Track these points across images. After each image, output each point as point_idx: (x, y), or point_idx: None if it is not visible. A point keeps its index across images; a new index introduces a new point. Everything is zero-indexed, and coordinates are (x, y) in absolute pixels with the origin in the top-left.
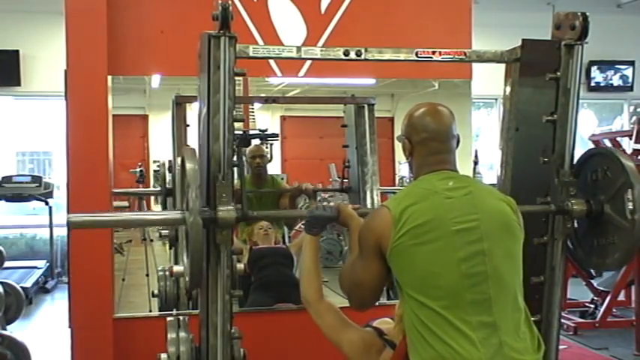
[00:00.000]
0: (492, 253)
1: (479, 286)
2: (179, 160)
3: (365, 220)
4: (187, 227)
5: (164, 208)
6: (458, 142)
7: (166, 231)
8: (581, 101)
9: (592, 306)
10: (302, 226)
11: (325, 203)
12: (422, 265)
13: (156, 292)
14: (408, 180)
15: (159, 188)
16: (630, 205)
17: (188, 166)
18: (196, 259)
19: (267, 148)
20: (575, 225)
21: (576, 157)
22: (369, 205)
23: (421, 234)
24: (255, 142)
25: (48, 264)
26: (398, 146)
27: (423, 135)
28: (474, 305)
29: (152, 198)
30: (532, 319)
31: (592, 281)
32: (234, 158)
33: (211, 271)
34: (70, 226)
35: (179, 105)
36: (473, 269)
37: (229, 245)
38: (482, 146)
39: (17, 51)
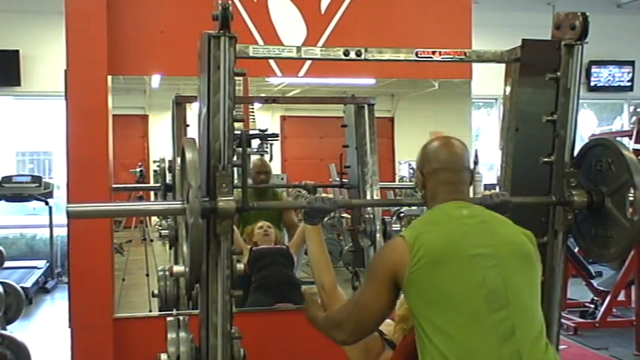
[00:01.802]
0: (511, 279)
1: (500, 311)
2: (179, 151)
3: (380, 250)
4: (187, 214)
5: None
6: (472, 176)
7: (166, 231)
8: (581, 101)
9: (592, 306)
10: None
11: (325, 195)
12: (440, 287)
13: (156, 292)
14: (407, 180)
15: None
16: (631, 205)
17: (188, 155)
18: (196, 254)
19: (267, 147)
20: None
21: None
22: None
23: (437, 256)
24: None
25: (48, 264)
26: (398, 146)
27: (434, 165)
28: (495, 330)
29: (152, 198)
30: None
31: (592, 281)
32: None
33: (211, 261)
34: (69, 215)
35: (179, 105)
36: (492, 294)
37: (229, 236)
38: (482, 146)
39: (17, 51)
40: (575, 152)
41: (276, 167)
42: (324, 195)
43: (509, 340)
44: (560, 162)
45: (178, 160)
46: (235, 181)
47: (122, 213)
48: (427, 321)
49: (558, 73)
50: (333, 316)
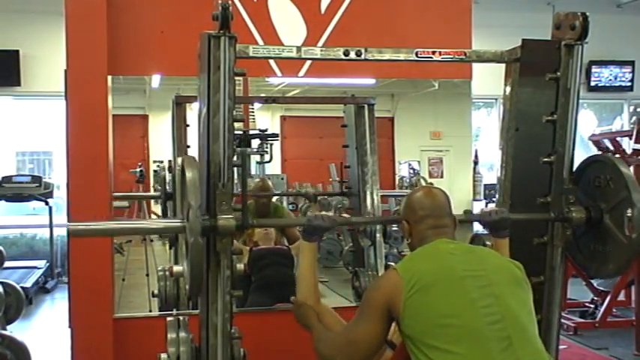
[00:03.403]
0: (504, 297)
1: (496, 324)
2: (179, 166)
3: (373, 282)
4: (187, 233)
5: (164, 212)
6: (455, 223)
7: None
8: (581, 101)
9: (592, 306)
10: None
11: (324, 213)
12: (435, 308)
13: (156, 292)
14: (407, 180)
15: (158, 193)
16: (629, 222)
17: (188, 174)
18: (196, 272)
19: (267, 147)
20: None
21: (576, 157)
22: (369, 206)
23: (430, 282)
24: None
25: (48, 264)
26: (398, 146)
27: (419, 213)
28: (493, 341)
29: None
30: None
31: (592, 281)
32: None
33: (211, 277)
34: (70, 234)
35: (179, 105)
36: (487, 309)
37: (229, 253)
38: (482, 146)
39: (17, 51)
40: (576, 154)
41: (276, 167)
42: (323, 213)
43: (507, 349)
44: (559, 178)
45: (179, 160)
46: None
47: (123, 231)
48: (426, 345)
49: (558, 73)
50: (322, 346)
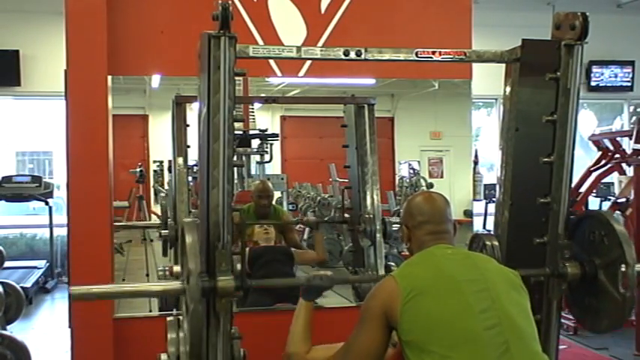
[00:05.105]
0: (500, 301)
1: (493, 328)
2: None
3: (371, 291)
4: (187, 298)
5: (165, 248)
6: (455, 227)
7: (166, 231)
8: (581, 101)
9: None
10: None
11: (322, 272)
12: (433, 314)
13: None
14: (407, 180)
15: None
16: (623, 280)
17: (188, 239)
18: (196, 336)
19: (267, 147)
20: None
21: (577, 158)
22: (368, 206)
23: (426, 287)
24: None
25: (48, 264)
26: (398, 146)
27: (418, 219)
28: (490, 346)
29: (152, 198)
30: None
31: None
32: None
33: (211, 335)
34: (73, 298)
35: (179, 105)
36: (485, 314)
37: (229, 312)
38: (482, 146)
39: (17, 51)
40: (576, 154)
41: (276, 167)
42: (322, 272)
43: (505, 354)
44: (554, 235)
45: (179, 160)
46: (236, 179)
47: (124, 294)
48: (424, 350)
49: (558, 73)
50: None
